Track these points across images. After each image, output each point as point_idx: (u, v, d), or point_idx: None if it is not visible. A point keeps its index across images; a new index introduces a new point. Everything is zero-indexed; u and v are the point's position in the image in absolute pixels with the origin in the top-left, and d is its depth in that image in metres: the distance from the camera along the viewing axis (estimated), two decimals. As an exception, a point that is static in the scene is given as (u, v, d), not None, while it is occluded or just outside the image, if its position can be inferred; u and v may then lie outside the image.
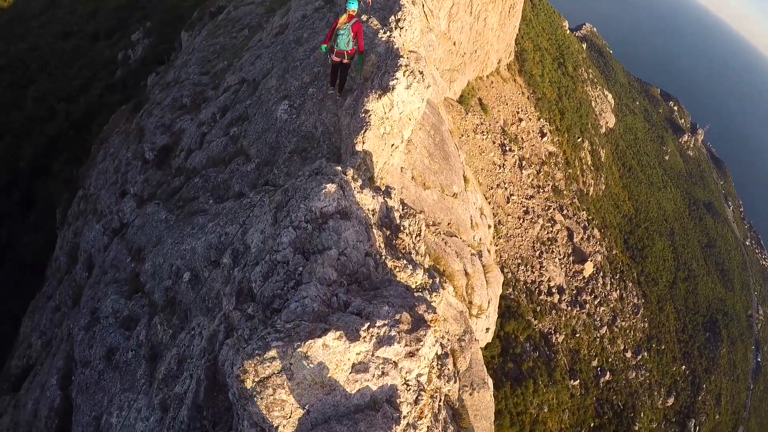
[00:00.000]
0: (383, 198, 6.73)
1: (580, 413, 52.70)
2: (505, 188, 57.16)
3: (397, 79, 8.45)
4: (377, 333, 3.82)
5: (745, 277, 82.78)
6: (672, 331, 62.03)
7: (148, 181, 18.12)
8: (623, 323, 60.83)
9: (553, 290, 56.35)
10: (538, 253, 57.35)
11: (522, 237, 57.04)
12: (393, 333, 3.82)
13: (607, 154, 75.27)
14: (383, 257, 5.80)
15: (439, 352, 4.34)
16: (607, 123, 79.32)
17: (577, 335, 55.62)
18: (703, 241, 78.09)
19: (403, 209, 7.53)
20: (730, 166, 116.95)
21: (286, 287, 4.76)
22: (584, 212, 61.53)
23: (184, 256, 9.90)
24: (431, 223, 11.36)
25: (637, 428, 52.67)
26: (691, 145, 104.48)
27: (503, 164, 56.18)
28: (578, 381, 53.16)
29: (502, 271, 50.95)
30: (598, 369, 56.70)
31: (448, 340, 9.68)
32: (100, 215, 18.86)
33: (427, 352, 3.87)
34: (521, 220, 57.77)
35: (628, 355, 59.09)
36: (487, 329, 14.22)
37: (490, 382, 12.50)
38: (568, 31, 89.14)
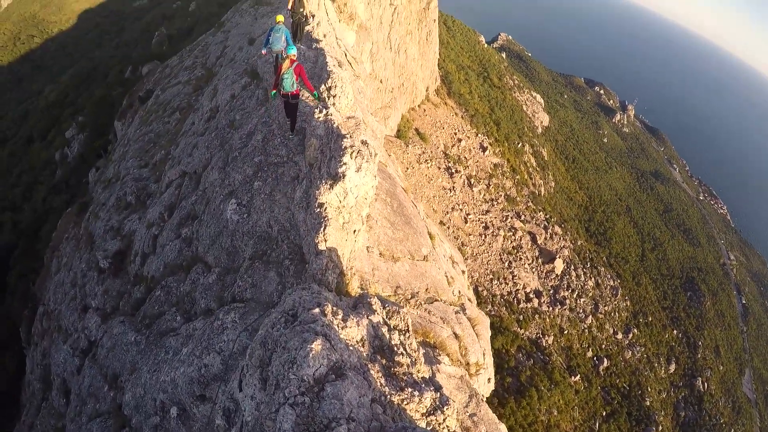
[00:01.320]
0: (366, 317, 6.07)
1: (589, 406, 52.37)
2: (461, 209, 57.50)
3: (345, 164, 7.85)
4: None
5: (708, 230, 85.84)
6: (654, 302, 63.18)
7: (108, 292, 17.51)
8: (606, 308, 61.55)
9: (531, 296, 56.52)
10: (506, 263, 57.63)
11: (488, 252, 57.29)
12: None
13: (549, 152, 77.47)
14: (388, 395, 5.15)
15: None
16: (542, 122, 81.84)
17: (566, 332, 55.80)
18: (660, 208, 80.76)
19: (386, 313, 6.87)
20: (666, 131, 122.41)
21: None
22: (541, 213, 62.62)
23: (166, 389, 9.24)
24: (410, 296, 10.72)
25: (648, 403, 52.76)
26: (625, 122, 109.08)
27: (453, 187, 56.71)
28: (579, 376, 53.02)
29: (476, 291, 50.79)
30: (595, 358, 56.83)
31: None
32: (66, 334, 18.07)
33: None
34: (483, 236, 58.07)
35: (619, 336, 59.54)
36: (489, 379, 13.60)
37: (504, 428, 11.83)
38: (486, 45, 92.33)
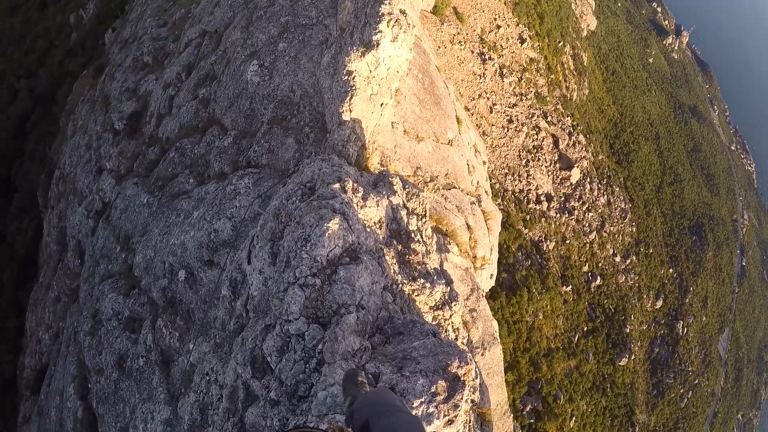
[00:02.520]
0: (387, 197, 5.82)
1: (573, 318, 54.39)
2: (487, 98, 54.91)
3: (381, 32, 7.16)
4: (415, 414, 3.18)
5: (730, 182, 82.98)
6: (659, 235, 63.06)
7: (123, 153, 17.18)
8: (611, 228, 61.40)
9: (542, 198, 55.99)
10: (524, 161, 56.40)
11: (507, 146, 55.81)
12: (431, 409, 3.18)
13: (590, 58, 72.48)
14: (400, 284, 5.05)
15: (474, 398, 3.73)
16: (588, 26, 75.63)
17: (567, 242, 56.13)
18: (689, 146, 77.44)
19: (406, 195, 6.65)
20: (715, 69, 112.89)
21: (307, 369, 4.05)
22: (569, 118, 60.12)
23: (175, 252, 9.35)
24: (429, 179, 10.48)
25: (628, 330, 54.77)
26: (676, 48, 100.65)
27: (483, 74, 53.65)
28: (570, 287, 54.32)
29: (490, 183, 50.39)
30: (589, 274, 57.85)
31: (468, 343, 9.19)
32: (81, 196, 18.22)
33: (464, 409, 3.26)
34: (505, 129, 56.21)
35: (617, 259, 60.27)
36: (492, 275, 13.87)
37: (496, 325, 12.29)
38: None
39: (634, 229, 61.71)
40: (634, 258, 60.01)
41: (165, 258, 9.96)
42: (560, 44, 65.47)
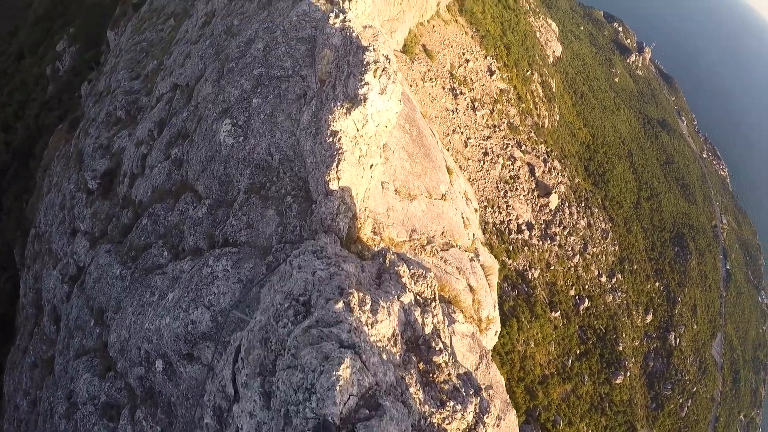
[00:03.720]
0: (396, 297, 4.54)
1: (565, 342, 53.17)
2: (461, 132, 54.61)
3: (367, 84, 5.99)
4: None
5: (705, 189, 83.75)
6: (642, 251, 62.75)
7: (96, 215, 16.17)
8: (594, 249, 60.92)
9: (523, 227, 55.33)
10: (502, 192, 55.90)
11: (485, 179, 55.31)
12: None
13: (558, 83, 73.39)
14: (428, 417, 3.73)
15: None
16: (554, 52, 76.90)
17: (552, 267, 55.32)
18: (662, 159, 78.22)
19: (411, 276, 5.35)
20: (680, 81, 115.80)
21: None
22: (542, 145, 60.10)
23: (150, 339, 8.08)
24: (425, 242, 9.22)
25: (621, 348, 53.68)
26: (640, 65, 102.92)
27: (456, 109, 53.46)
28: (559, 312, 53.32)
29: None
30: (577, 297, 56.96)
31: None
32: (56, 258, 17.43)
33: None
34: (481, 162, 55.88)
35: (603, 279, 59.56)
36: (496, 332, 12.55)
37: (502, 381, 10.98)
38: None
39: (617, 248, 61.28)
40: (619, 276, 59.37)
41: (140, 344, 8.77)
42: (528, 73, 66.21)
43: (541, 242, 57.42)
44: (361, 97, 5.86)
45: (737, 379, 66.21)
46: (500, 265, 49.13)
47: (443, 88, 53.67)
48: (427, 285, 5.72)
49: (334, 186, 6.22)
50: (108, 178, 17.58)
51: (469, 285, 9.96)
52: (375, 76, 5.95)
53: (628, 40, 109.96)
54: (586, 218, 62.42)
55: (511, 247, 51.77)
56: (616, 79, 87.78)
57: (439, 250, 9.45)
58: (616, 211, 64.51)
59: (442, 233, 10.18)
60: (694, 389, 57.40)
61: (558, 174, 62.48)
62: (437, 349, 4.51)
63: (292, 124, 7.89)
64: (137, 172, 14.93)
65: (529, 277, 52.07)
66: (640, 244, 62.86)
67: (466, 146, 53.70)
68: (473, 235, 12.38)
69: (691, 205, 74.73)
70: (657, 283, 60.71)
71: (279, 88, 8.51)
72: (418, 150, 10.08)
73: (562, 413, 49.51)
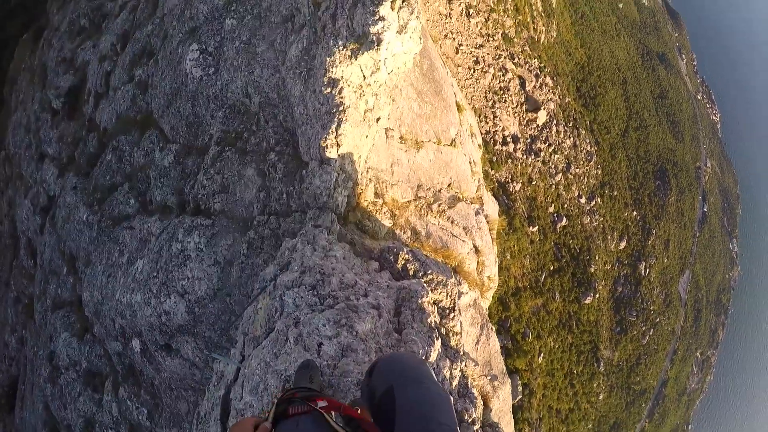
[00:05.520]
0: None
1: (540, 258, 53.96)
2: (453, 38, 50.65)
3: (383, 20, 4.16)
4: None
5: (695, 130, 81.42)
6: (624, 178, 62.23)
7: (63, 138, 14.69)
8: (577, 170, 60.18)
9: (508, 139, 53.73)
10: (490, 102, 53.50)
11: (474, 87, 52.50)
12: None
13: (559, 0, 68.00)
14: None
15: None
16: (557, -32, 70.28)
17: (534, 183, 54.64)
18: (656, 92, 75.02)
19: (428, 281, 4.02)
20: (685, 18, 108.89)
21: None
22: (536, 60, 56.75)
23: (124, 314, 7.02)
24: (432, 200, 7.78)
25: (592, 270, 54.95)
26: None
27: (449, 13, 49.09)
28: (537, 227, 53.42)
29: None
30: (555, 215, 57.02)
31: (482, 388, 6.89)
32: (26, 185, 16.53)
33: None
34: (472, 70, 52.71)
35: (583, 201, 59.48)
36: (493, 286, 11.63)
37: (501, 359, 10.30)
38: None
39: (599, 172, 60.56)
40: (598, 200, 59.24)
41: (113, 316, 7.75)
42: (529, -16, 60.71)
43: (525, 156, 56.13)
44: (374, 38, 4.07)
45: (698, 318, 69.37)
46: (483, 175, 48.43)
47: (437, -10, 48.84)
48: (447, 294, 4.42)
49: (332, 153, 4.61)
50: (73, 95, 15.89)
51: (474, 246, 8.76)
52: (393, 9, 4.09)
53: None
54: (572, 138, 60.95)
55: (494, 158, 50.33)
56: (620, 5, 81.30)
57: (446, 208, 8.07)
58: (603, 135, 62.94)
59: (449, 185, 8.74)
60: (657, 320, 60.06)
61: (549, 91, 59.80)
62: (466, 408, 3.34)
63: (275, 57, 6.00)
64: (101, 91, 13.07)
65: (510, 190, 51.35)
66: (622, 172, 62.19)
67: (457, 53, 50.15)
68: (479, 180, 10.97)
69: (678, 142, 73.21)
70: (634, 212, 60.95)
71: (259, 6, 6.43)
72: (428, 86, 8.26)
73: (532, 326, 51.54)
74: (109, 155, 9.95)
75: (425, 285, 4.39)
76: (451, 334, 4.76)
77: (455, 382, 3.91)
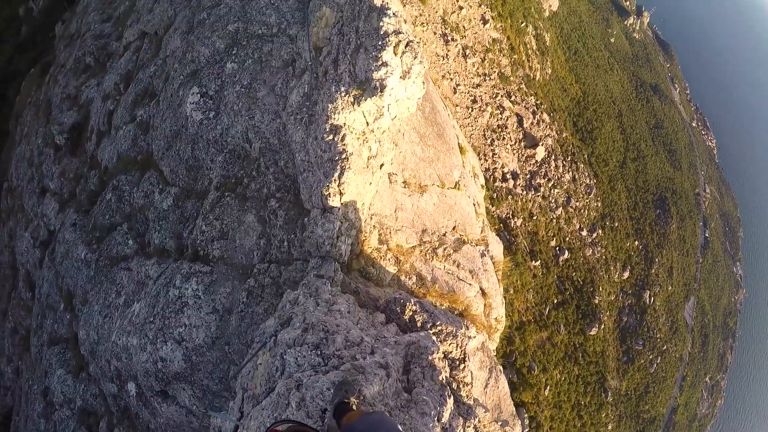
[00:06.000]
0: (437, 422, 2.95)
1: (543, 291, 53.37)
2: (451, 79, 51.74)
3: (386, 66, 4.01)
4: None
5: (692, 157, 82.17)
6: (624, 209, 62.25)
7: (65, 174, 14.74)
8: (577, 203, 60.30)
9: (508, 176, 54.08)
10: (489, 141, 54.09)
11: (472, 126, 53.18)
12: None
13: (552, 38, 69.81)
14: None
15: None
16: (550, 6, 72.44)
17: (535, 218, 54.65)
18: (651, 123, 76.06)
19: (438, 332, 3.74)
20: (676, 49, 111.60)
21: None
22: (532, 97, 57.79)
23: (119, 356, 6.71)
24: (437, 244, 7.53)
25: (597, 301, 54.22)
26: (637, 28, 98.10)
27: (446, 55, 50.30)
28: (539, 261, 53.11)
29: None
30: (557, 248, 56.76)
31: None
32: (27, 218, 16.56)
33: None
34: (470, 109, 53.57)
35: (584, 233, 59.30)
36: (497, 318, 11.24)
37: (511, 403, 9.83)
38: None
39: (600, 204, 60.58)
40: (600, 231, 59.03)
41: (109, 358, 7.45)
42: (522, 24, 62.49)
43: (525, 192, 56.37)
44: (377, 83, 3.90)
45: (706, 343, 68.10)
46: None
47: (434, 33, 50.26)
48: (457, 345, 4.12)
49: (334, 202, 4.37)
50: (76, 132, 16.08)
51: (481, 288, 8.45)
52: (396, 54, 3.95)
53: (628, 2, 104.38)
54: (571, 172, 61.34)
55: (495, 195, 50.54)
56: (612, 40, 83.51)
57: (451, 252, 7.81)
58: (601, 168, 63.37)
59: (454, 228, 8.50)
60: (665, 347, 58.87)
61: (546, 127, 60.60)
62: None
63: (276, 102, 5.87)
64: (104, 129, 13.15)
65: (512, 226, 51.27)
66: (622, 203, 62.24)
67: (455, 92, 51.10)
68: (483, 221, 10.75)
69: (676, 170, 73.63)
70: (636, 242, 60.61)
71: (260, 50, 6.34)
72: (431, 130, 8.14)
73: (537, 360, 50.39)
74: (109, 194, 9.81)
75: (434, 338, 4.10)
76: (462, 385, 4.43)
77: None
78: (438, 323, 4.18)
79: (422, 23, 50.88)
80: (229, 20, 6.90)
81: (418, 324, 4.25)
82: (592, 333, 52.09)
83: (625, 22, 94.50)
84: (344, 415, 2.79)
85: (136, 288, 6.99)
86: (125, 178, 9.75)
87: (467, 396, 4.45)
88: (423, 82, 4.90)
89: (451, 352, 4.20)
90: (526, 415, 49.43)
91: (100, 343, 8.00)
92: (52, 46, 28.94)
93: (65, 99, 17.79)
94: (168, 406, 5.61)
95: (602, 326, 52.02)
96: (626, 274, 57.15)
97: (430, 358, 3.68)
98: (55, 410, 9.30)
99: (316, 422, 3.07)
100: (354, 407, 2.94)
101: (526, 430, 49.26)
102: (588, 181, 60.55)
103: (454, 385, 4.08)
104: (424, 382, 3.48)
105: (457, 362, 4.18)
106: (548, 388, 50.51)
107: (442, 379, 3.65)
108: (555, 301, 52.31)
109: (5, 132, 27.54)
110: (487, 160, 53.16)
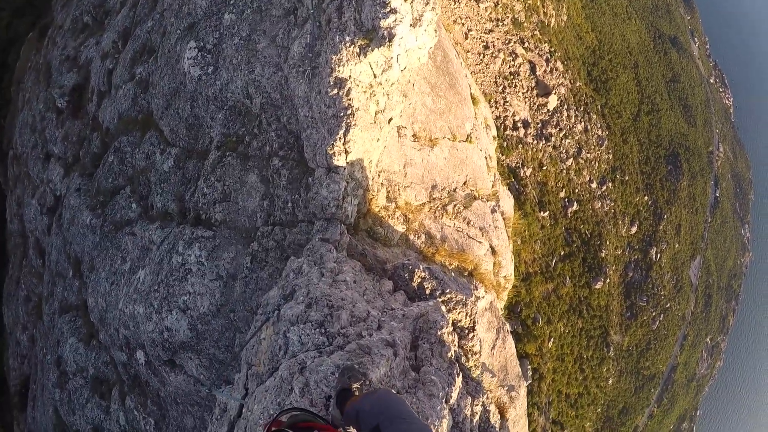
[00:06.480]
0: (445, 403, 2.77)
1: (550, 243, 53.17)
2: (462, 24, 49.35)
3: (394, 12, 3.62)
4: None
5: (707, 114, 79.08)
6: (635, 163, 60.96)
7: (68, 137, 14.56)
8: (588, 155, 58.99)
9: (519, 124, 52.56)
10: (500, 88, 52.23)
11: (483, 73, 51.22)
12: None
13: (569, -17, 66.04)
14: None
15: None
16: (567, -50, 68.18)
17: (544, 168, 53.41)
18: (668, 76, 72.89)
19: (446, 301, 3.55)
20: (698, 1, 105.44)
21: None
22: (546, 44, 55.23)
23: (127, 324, 6.82)
24: (447, 200, 7.27)
25: (603, 254, 54.16)
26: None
27: None
28: (547, 212, 52.36)
29: None
30: (566, 200, 56.07)
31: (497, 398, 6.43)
32: (33, 185, 16.55)
33: None
34: (481, 55, 51.45)
35: (594, 185, 58.43)
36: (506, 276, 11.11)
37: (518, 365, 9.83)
38: None
39: (611, 157, 59.31)
40: (610, 185, 58.14)
41: (117, 326, 7.50)
42: (539, -32, 58.99)
43: (535, 141, 54.78)
44: (384, 32, 3.53)
45: (709, 303, 68.24)
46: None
47: (446, -26, 47.66)
48: (466, 313, 3.94)
49: (340, 161, 4.10)
50: (77, 94, 15.67)
51: (491, 246, 8.26)
52: (406, 0, 3.54)
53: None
54: (583, 123, 59.68)
55: (505, 144, 49.31)
56: (632, -13, 78.65)
57: (462, 208, 7.56)
58: (614, 120, 61.55)
59: (465, 183, 8.20)
60: (668, 305, 59.16)
61: (559, 75, 58.29)
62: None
63: (277, 54, 5.47)
64: (104, 89, 12.83)
65: (521, 175, 50.25)
66: (634, 157, 60.87)
67: (466, 38, 49.05)
68: (494, 175, 10.40)
69: (691, 127, 71.20)
70: (646, 197, 59.74)
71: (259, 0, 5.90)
72: (442, 80, 7.68)
73: (542, 311, 51.03)
74: (111, 156, 9.60)
75: (443, 308, 3.93)
76: (469, 354, 4.30)
77: (476, 419, 3.47)
78: (447, 291, 4.01)
79: (432, -34, 48.24)
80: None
81: (427, 292, 4.09)
82: (597, 287, 52.41)
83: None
84: (347, 401, 2.70)
85: (141, 254, 6.95)
86: (126, 140, 9.51)
87: (475, 365, 4.34)
88: (435, 30, 4.48)
89: (459, 321, 4.06)
90: (530, 367, 50.58)
91: (108, 311, 8.08)
92: (49, 8, 27.96)
93: (64, 61, 17.39)
94: (176, 376, 5.65)
95: (608, 280, 52.19)
96: (634, 229, 56.67)
97: (438, 333, 3.52)
98: (69, 379, 9.53)
99: (320, 410, 2.98)
100: (357, 393, 2.81)
101: (529, 381, 50.63)
102: (600, 132, 58.98)
103: (463, 359, 3.97)
104: (433, 360, 3.35)
105: (466, 331, 4.05)
106: (552, 340, 51.45)
107: (451, 355, 3.52)
108: (562, 253, 52.28)
109: (8, 99, 27.10)
110: (498, 108, 51.70)
